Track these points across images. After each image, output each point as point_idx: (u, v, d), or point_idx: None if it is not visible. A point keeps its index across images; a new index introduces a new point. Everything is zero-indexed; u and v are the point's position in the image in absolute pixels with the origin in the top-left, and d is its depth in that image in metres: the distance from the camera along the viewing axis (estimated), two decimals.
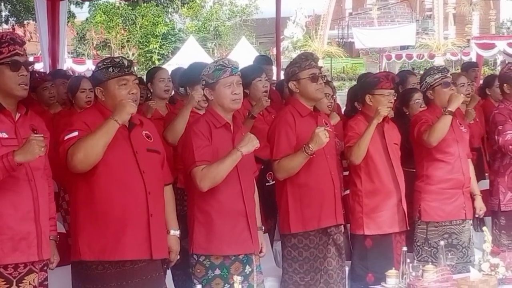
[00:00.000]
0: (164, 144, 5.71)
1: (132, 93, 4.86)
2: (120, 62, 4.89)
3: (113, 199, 4.74)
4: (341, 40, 47.82)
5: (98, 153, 4.62)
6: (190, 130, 5.30)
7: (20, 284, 4.50)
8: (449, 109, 6.39)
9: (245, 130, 5.47)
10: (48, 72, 10.66)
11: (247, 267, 5.32)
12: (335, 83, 31.79)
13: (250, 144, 5.12)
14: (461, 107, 7.32)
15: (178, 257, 5.21)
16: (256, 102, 7.14)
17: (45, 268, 4.71)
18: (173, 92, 7.75)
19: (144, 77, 7.90)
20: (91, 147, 4.59)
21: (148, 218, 4.82)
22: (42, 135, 4.39)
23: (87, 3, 39.92)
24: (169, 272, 5.72)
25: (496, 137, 7.02)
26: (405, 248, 5.51)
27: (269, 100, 7.32)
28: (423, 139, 6.44)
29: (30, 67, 4.68)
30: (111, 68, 4.85)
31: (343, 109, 9.29)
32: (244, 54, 29.57)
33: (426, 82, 6.73)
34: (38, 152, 4.32)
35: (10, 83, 4.51)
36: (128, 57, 35.99)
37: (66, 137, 4.67)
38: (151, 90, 7.07)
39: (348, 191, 6.76)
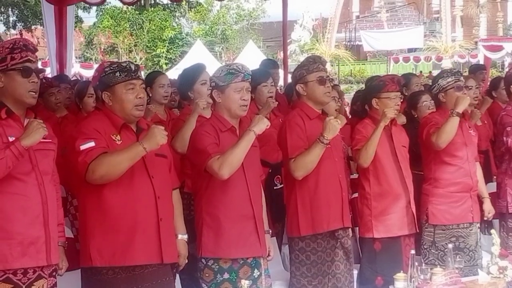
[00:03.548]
0: (170, 148, 5.72)
1: (140, 97, 4.87)
2: (127, 66, 4.90)
3: (122, 204, 4.75)
4: (349, 43, 47.86)
5: (120, 173, 4.67)
6: (196, 133, 5.30)
7: None
8: (456, 110, 6.39)
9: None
10: (54, 76, 10.68)
11: (256, 270, 5.33)
12: (343, 86, 31.87)
13: (261, 123, 5.12)
14: (477, 114, 7.33)
15: (186, 261, 5.22)
16: (263, 105, 7.14)
17: (54, 273, 4.70)
18: (178, 97, 7.76)
19: None
20: (113, 167, 4.63)
21: (158, 222, 4.83)
22: (41, 120, 4.45)
23: (94, 8, 39.99)
24: (177, 276, 5.74)
25: (504, 138, 7.02)
26: (413, 251, 5.51)
27: (276, 102, 7.33)
28: (431, 141, 6.44)
29: (40, 75, 4.70)
30: (118, 72, 4.85)
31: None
32: (251, 57, 29.61)
33: (438, 84, 6.72)
34: (42, 131, 4.39)
35: (20, 89, 4.53)
36: (135, 61, 36.14)
37: (82, 147, 4.68)
38: (150, 95, 7.08)
39: (355, 195, 6.76)
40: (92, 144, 4.67)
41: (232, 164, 5.06)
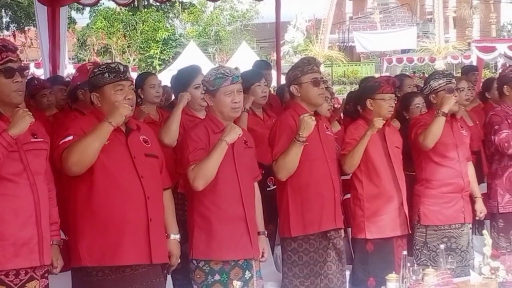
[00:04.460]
0: (163, 149, 5.72)
1: (128, 99, 4.86)
2: (116, 67, 4.90)
3: (112, 205, 4.75)
4: (342, 44, 47.91)
5: (92, 156, 4.65)
6: (187, 135, 5.32)
7: None
8: (442, 110, 6.40)
9: (241, 127, 5.44)
10: (47, 78, 10.66)
11: (247, 272, 5.33)
12: (336, 87, 31.88)
13: (233, 132, 5.13)
14: (462, 112, 7.33)
15: (179, 261, 5.22)
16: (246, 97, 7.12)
17: (46, 274, 4.69)
18: (173, 97, 7.76)
19: None
20: (84, 149, 4.62)
21: (148, 223, 4.83)
22: (27, 110, 4.43)
23: (87, 9, 40.02)
24: (169, 277, 5.73)
25: (492, 137, 7.04)
26: (405, 252, 5.52)
27: (265, 100, 7.32)
28: (419, 141, 6.46)
29: (25, 73, 4.68)
30: (107, 73, 4.85)
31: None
32: (245, 58, 29.59)
33: (430, 85, 6.73)
34: (28, 119, 4.38)
35: (5, 91, 4.50)
36: (128, 62, 36.14)
37: (61, 142, 4.71)
38: (141, 96, 7.09)
39: (348, 195, 6.77)
40: (70, 138, 4.69)
41: (206, 176, 5.08)
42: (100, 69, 4.91)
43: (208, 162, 5.07)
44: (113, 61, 32.41)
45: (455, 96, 6.67)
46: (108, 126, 4.66)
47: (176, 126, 6.08)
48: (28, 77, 7.11)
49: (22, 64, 4.69)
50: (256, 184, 5.60)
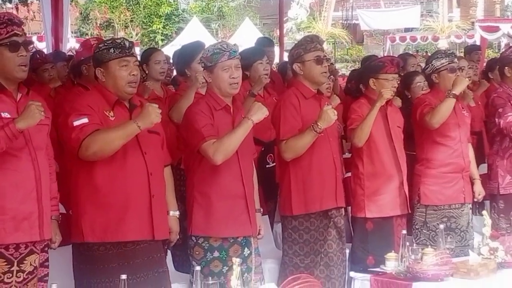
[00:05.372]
0: (166, 125, 5.72)
1: (133, 74, 4.87)
2: (122, 43, 4.90)
3: (115, 181, 4.78)
4: (345, 22, 47.67)
5: (113, 150, 4.70)
6: (191, 111, 5.30)
7: (21, 265, 4.50)
8: (453, 92, 6.41)
9: (246, 110, 5.46)
10: (50, 52, 10.65)
11: (246, 249, 5.34)
12: (339, 65, 31.80)
13: (260, 112, 5.14)
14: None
15: (178, 237, 5.24)
16: (256, 81, 7.13)
17: (46, 249, 4.71)
18: (175, 73, 7.75)
19: None
20: (107, 144, 4.66)
21: (150, 199, 4.86)
22: (39, 105, 4.41)
23: None
24: (169, 253, 5.75)
25: (496, 120, 7.03)
26: (404, 231, 5.53)
27: (268, 79, 7.31)
28: (425, 120, 6.46)
29: (30, 47, 4.68)
30: (112, 49, 4.85)
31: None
32: (247, 35, 29.48)
33: (432, 65, 6.73)
34: (38, 116, 4.37)
35: (9, 65, 4.50)
36: (131, 37, 35.99)
37: (75, 123, 4.70)
38: (146, 72, 7.08)
39: (349, 174, 6.78)
40: (85, 120, 4.69)
41: (227, 151, 5.09)
42: (105, 44, 4.92)
43: (231, 138, 5.09)
44: (116, 36, 32.32)
45: (457, 75, 6.67)
46: (136, 129, 4.69)
47: (187, 105, 6.09)
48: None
49: (27, 39, 4.68)
50: (252, 162, 5.61)
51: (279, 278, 5.97)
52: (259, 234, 5.54)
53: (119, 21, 41.92)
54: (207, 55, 5.28)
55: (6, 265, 4.46)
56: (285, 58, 10.51)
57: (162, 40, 41.60)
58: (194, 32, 32.13)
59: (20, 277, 4.51)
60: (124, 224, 4.79)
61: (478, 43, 22.52)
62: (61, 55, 9.46)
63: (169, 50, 19.50)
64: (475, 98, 8.29)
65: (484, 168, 7.44)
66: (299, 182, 5.93)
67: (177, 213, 5.22)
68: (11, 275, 4.47)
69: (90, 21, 43.47)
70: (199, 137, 5.11)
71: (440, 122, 6.42)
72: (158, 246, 5.02)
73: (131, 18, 42.41)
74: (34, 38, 19.14)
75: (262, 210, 5.78)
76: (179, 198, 5.44)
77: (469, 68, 7.94)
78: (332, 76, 7.61)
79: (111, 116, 4.81)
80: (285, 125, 5.87)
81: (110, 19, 42.67)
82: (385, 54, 27.04)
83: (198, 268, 4.33)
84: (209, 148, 5.07)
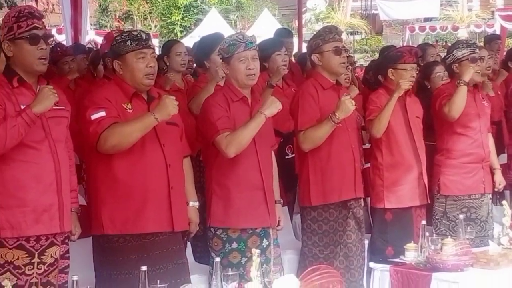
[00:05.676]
0: (186, 117, 5.73)
1: (150, 66, 4.88)
2: (138, 35, 4.92)
3: (134, 173, 4.80)
4: (364, 12, 47.52)
5: (131, 143, 4.72)
6: (208, 103, 5.31)
7: (42, 257, 4.53)
8: (463, 79, 6.38)
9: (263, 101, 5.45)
10: (70, 45, 10.69)
11: (264, 240, 5.35)
12: (358, 56, 31.73)
13: (273, 106, 5.13)
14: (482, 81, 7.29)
15: (198, 228, 5.26)
16: (274, 72, 7.12)
17: (67, 240, 4.73)
18: (194, 65, 7.76)
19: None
20: (125, 137, 4.69)
21: (169, 190, 4.88)
22: (51, 87, 4.46)
23: None
24: (189, 244, 5.77)
25: None
26: (424, 222, 5.52)
27: (287, 70, 7.31)
28: (444, 112, 6.43)
29: (50, 40, 4.70)
30: (129, 41, 4.87)
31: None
32: (266, 26, 29.46)
33: (453, 55, 6.71)
34: (53, 98, 4.41)
35: (29, 57, 4.52)
36: (150, 29, 36.04)
37: (93, 117, 4.73)
38: (167, 64, 7.10)
39: (368, 165, 6.77)
40: (103, 113, 4.71)
41: (240, 144, 5.10)
42: (122, 36, 4.94)
43: (244, 132, 5.10)
44: (135, 28, 32.36)
45: (478, 65, 6.64)
46: (154, 121, 4.71)
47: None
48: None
49: (47, 32, 4.70)
50: (272, 153, 5.61)
51: (299, 268, 5.98)
52: (278, 225, 5.55)
53: (138, 13, 41.99)
54: (224, 46, 5.28)
55: (27, 257, 4.48)
56: (304, 49, 10.49)
57: (181, 31, 41.62)
58: (212, 23, 32.12)
59: (41, 268, 4.53)
60: (144, 216, 4.82)
61: (498, 32, 22.42)
62: (81, 48, 9.49)
63: (188, 41, 19.50)
64: (495, 88, 8.26)
65: (504, 158, 7.42)
66: (318, 173, 5.93)
67: (197, 203, 5.23)
68: (32, 267, 4.50)
69: (109, 13, 43.56)
70: (213, 129, 5.13)
71: (459, 112, 6.39)
72: (177, 237, 5.04)
73: (150, 10, 42.45)
74: (54, 31, 19.25)
75: (282, 201, 5.78)
76: (198, 189, 5.45)
77: (489, 57, 7.88)
78: (350, 67, 7.60)
79: (129, 109, 4.83)
80: (303, 116, 5.87)
81: (129, 11, 42.75)
82: (404, 44, 26.90)
83: (218, 259, 4.32)
84: (222, 141, 5.09)
